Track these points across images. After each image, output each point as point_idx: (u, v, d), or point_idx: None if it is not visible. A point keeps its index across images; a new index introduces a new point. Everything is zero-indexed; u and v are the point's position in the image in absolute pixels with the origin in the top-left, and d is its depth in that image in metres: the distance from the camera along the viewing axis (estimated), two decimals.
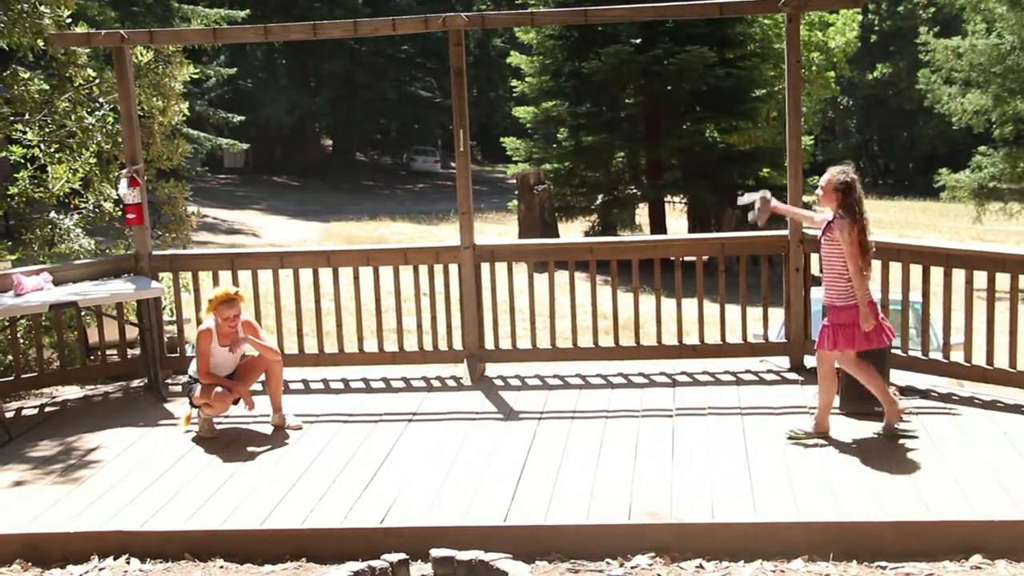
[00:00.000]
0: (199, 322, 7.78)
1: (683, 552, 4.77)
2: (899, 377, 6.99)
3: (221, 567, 4.86)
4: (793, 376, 7.41)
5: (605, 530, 4.94)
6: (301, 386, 7.70)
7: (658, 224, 26.47)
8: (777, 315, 8.18)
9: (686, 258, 8.07)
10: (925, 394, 6.91)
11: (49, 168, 9.46)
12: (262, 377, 6.76)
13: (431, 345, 7.92)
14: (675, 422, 6.56)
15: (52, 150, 9.47)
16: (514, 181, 27.35)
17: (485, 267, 7.83)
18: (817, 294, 6.65)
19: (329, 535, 5.01)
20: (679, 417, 6.64)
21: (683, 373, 7.61)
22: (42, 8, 8.78)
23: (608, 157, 26.01)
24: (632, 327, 7.77)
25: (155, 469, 6.06)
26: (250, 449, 6.37)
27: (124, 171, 7.85)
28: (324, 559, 4.84)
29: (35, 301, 7.10)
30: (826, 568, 4.62)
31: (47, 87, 9.53)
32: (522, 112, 27.06)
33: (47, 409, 7.46)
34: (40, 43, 9.04)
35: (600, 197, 26.22)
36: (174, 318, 8.68)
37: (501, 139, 28.30)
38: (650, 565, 4.69)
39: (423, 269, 7.88)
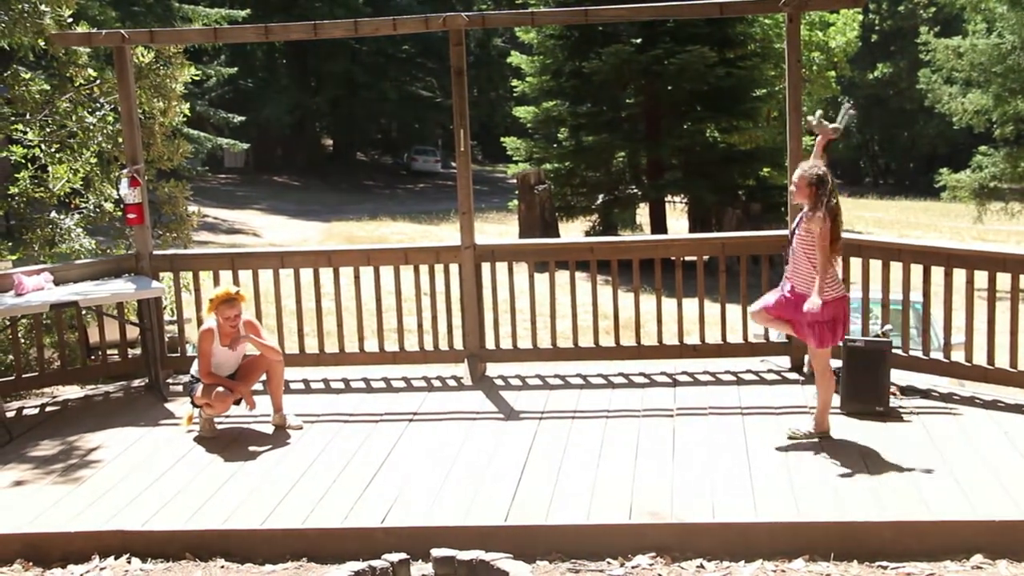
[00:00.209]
0: (200, 322, 7.80)
1: (684, 552, 4.77)
2: (900, 377, 6.99)
3: (222, 567, 4.86)
4: (794, 376, 7.41)
5: (606, 530, 4.94)
6: (302, 386, 7.70)
7: (659, 224, 26.45)
8: None
9: (687, 258, 8.07)
10: (926, 394, 6.92)
11: (50, 168, 9.46)
12: (263, 377, 6.77)
13: (432, 345, 7.92)
14: (676, 422, 6.56)
15: (53, 150, 9.48)
16: (515, 181, 27.35)
17: (486, 267, 7.83)
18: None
19: (330, 535, 5.01)
20: (680, 417, 6.64)
21: (684, 373, 7.61)
22: (43, 7, 8.77)
23: (609, 157, 26.00)
24: (633, 327, 7.77)
25: (156, 469, 6.06)
26: (251, 449, 6.37)
27: (125, 171, 7.85)
28: (325, 559, 4.85)
29: (36, 301, 7.10)
30: (827, 568, 4.62)
31: (48, 87, 9.53)
32: (522, 112, 27.06)
33: (48, 409, 7.46)
34: (41, 43, 9.05)
35: (601, 197, 26.20)
36: (175, 318, 8.68)
37: (502, 139, 28.29)
38: (651, 565, 4.69)
39: (424, 269, 7.88)
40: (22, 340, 8.03)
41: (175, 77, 9.46)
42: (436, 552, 4.33)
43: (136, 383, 7.92)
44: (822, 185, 5.91)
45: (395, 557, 4.31)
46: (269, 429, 6.69)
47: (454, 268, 7.83)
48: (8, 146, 9.53)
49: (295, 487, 5.67)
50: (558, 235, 23.37)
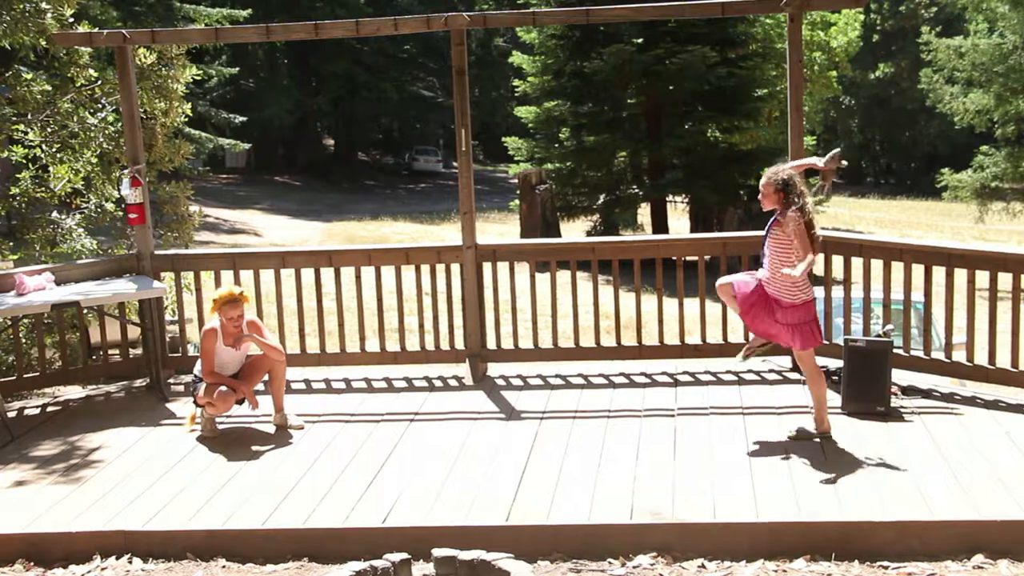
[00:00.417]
0: (202, 322, 7.81)
1: (685, 552, 4.77)
2: (901, 377, 6.99)
3: (223, 567, 4.86)
4: (795, 376, 7.40)
5: (607, 530, 4.94)
6: (303, 386, 7.70)
7: (660, 224, 26.45)
8: None
9: (688, 258, 8.07)
10: (927, 394, 6.91)
11: (51, 168, 9.47)
12: (266, 377, 6.77)
13: (433, 345, 7.92)
14: (677, 422, 6.56)
15: (54, 150, 9.48)
16: (516, 181, 27.36)
17: (487, 267, 7.83)
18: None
19: (331, 535, 5.01)
20: (681, 417, 6.64)
21: (685, 373, 7.61)
22: (44, 7, 8.78)
23: (610, 157, 25.99)
24: (634, 327, 7.77)
25: (157, 469, 6.06)
26: (252, 449, 6.37)
27: (126, 171, 7.86)
28: (326, 559, 4.85)
29: (37, 301, 7.11)
30: (828, 568, 4.61)
31: (49, 87, 9.53)
32: (524, 112, 27.06)
33: (49, 409, 7.46)
34: (42, 43, 9.05)
35: (602, 197, 26.20)
36: (176, 318, 8.69)
37: (503, 139, 28.30)
38: (652, 565, 4.69)
39: (425, 269, 7.89)
40: (23, 340, 8.03)
41: (176, 78, 9.47)
42: (437, 552, 4.33)
43: (137, 383, 7.92)
44: (788, 189, 5.95)
45: (396, 557, 4.31)
46: (271, 429, 6.69)
47: (455, 268, 7.83)
48: (9, 146, 9.53)
49: (296, 487, 5.67)
50: (559, 235, 23.39)
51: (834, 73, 35.69)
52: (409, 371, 7.90)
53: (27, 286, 7.22)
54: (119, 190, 8.42)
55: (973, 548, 4.68)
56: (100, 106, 9.59)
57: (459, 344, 7.85)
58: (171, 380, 7.89)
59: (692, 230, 26.29)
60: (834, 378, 7.18)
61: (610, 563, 4.72)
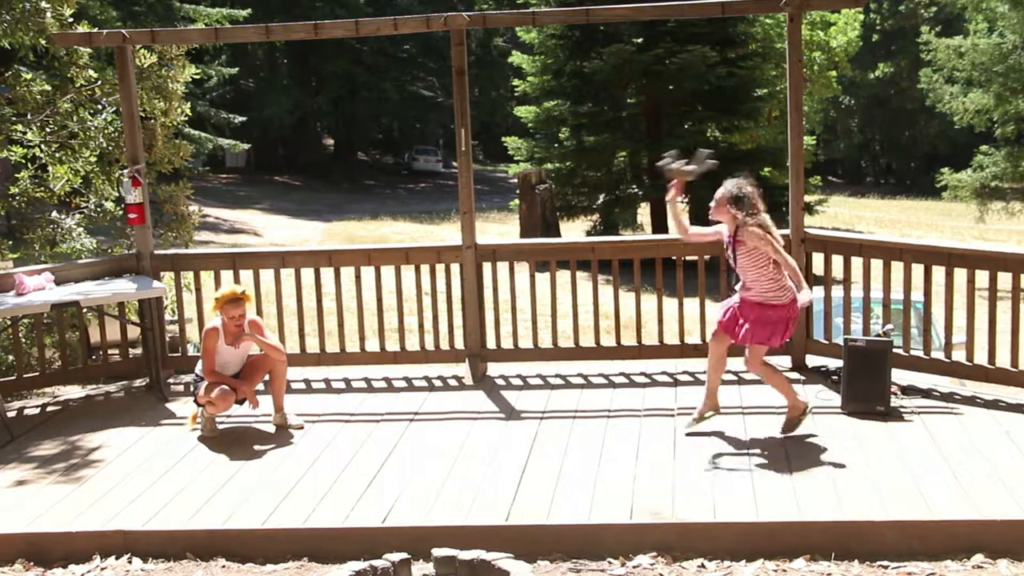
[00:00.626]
0: (201, 322, 7.81)
1: (685, 552, 4.77)
2: (901, 376, 6.99)
3: (223, 567, 4.86)
4: (795, 376, 7.40)
5: (607, 529, 4.94)
6: (303, 386, 7.70)
7: (660, 223, 26.41)
8: None
9: (688, 257, 8.06)
10: (927, 393, 6.91)
11: (50, 168, 9.47)
12: (266, 377, 6.77)
13: (433, 344, 7.92)
14: (677, 421, 6.56)
15: (52, 150, 9.48)
16: (516, 181, 27.34)
17: (487, 266, 7.83)
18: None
19: (331, 534, 5.01)
20: (681, 416, 6.64)
21: (685, 372, 7.61)
22: (44, 6, 8.77)
23: (610, 157, 25.99)
24: (634, 326, 7.77)
25: (157, 469, 6.06)
26: (252, 449, 6.37)
27: (126, 171, 7.86)
28: (326, 558, 4.84)
29: (37, 301, 7.11)
30: (828, 568, 4.61)
31: (49, 88, 9.53)
32: (524, 112, 27.06)
33: (49, 409, 7.46)
34: (42, 42, 9.05)
35: (602, 196, 26.21)
36: (176, 318, 8.69)
37: (503, 138, 28.30)
38: (652, 564, 4.69)
39: (425, 268, 7.89)
40: (23, 340, 8.03)
41: (176, 78, 9.47)
42: (437, 552, 4.33)
43: (137, 383, 7.92)
44: (738, 203, 6.03)
45: (396, 557, 4.31)
46: (270, 429, 6.69)
47: (455, 268, 7.83)
48: (8, 146, 9.54)
49: (296, 487, 5.67)
50: (559, 235, 23.38)
51: (834, 73, 35.74)
52: (409, 371, 7.89)
53: (27, 286, 7.22)
54: (119, 190, 8.42)
55: (973, 548, 4.68)
56: (100, 106, 9.59)
57: (459, 344, 7.85)
58: (171, 380, 7.89)
59: None
60: (834, 378, 7.19)
61: (610, 563, 4.72)
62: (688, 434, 6.28)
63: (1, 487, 5.86)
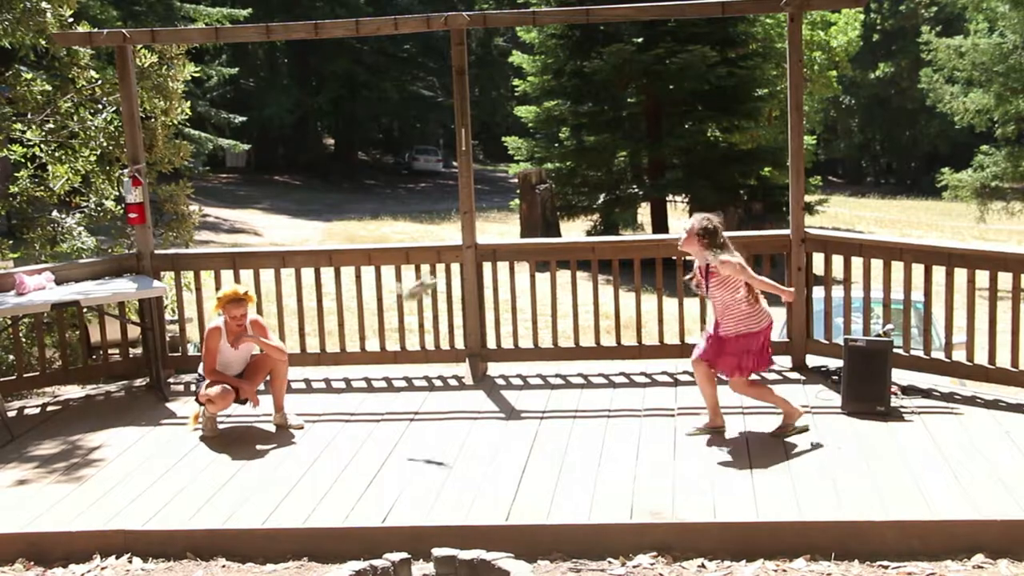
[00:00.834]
0: (202, 321, 7.81)
1: (685, 551, 4.77)
2: (901, 376, 6.99)
3: (223, 566, 4.86)
4: (795, 375, 7.41)
5: (607, 529, 4.94)
6: (303, 385, 7.70)
7: (660, 223, 26.43)
8: (779, 315, 8.16)
9: (688, 257, 8.04)
10: (927, 393, 6.91)
11: (50, 167, 9.46)
12: (267, 376, 6.77)
13: (433, 344, 7.92)
14: (677, 421, 6.56)
15: (52, 149, 9.47)
16: (516, 180, 27.34)
17: (487, 266, 7.83)
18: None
19: (331, 534, 5.01)
20: (681, 416, 6.64)
21: (685, 372, 7.60)
22: (44, 6, 8.77)
23: (610, 156, 25.98)
24: (634, 326, 7.77)
25: (157, 468, 6.06)
26: (252, 448, 6.37)
27: (126, 171, 7.86)
28: (326, 558, 4.85)
29: (37, 300, 7.11)
30: (828, 568, 4.62)
31: (49, 87, 9.53)
32: (524, 111, 27.05)
33: (49, 408, 7.46)
34: (42, 42, 9.04)
35: (602, 196, 26.19)
36: (176, 317, 8.68)
37: (503, 138, 28.28)
38: (652, 564, 4.69)
39: (425, 268, 7.88)
40: (23, 340, 8.03)
41: (176, 77, 9.46)
42: (437, 551, 4.33)
43: (137, 383, 7.92)
44: (708, 236, 6.18)
45: (396, 556, 4.31)
46: (271, 428, 6.69)
47: (455, 267, 7.83)
48: (8, 145, 9.53)
49: (296, 486, 5.67)
50: (559, 235, 23.38)
51: (834, 73, 35.71)
52: (409, 371, 7.90)
53: (27, 285, 7.22)
54: (120, 190, 8.41)
55: (973, 548, 4.68)
56: (100, 106, 9.58)
57: (459, 344, 7.85)
58: (171, 380, 7.89)
59: None
60: (834, 378, 7.19)
61: (610, 563, 4.72)
62: (688, 435, 6.29)
63: (1, 487, 5.86)
